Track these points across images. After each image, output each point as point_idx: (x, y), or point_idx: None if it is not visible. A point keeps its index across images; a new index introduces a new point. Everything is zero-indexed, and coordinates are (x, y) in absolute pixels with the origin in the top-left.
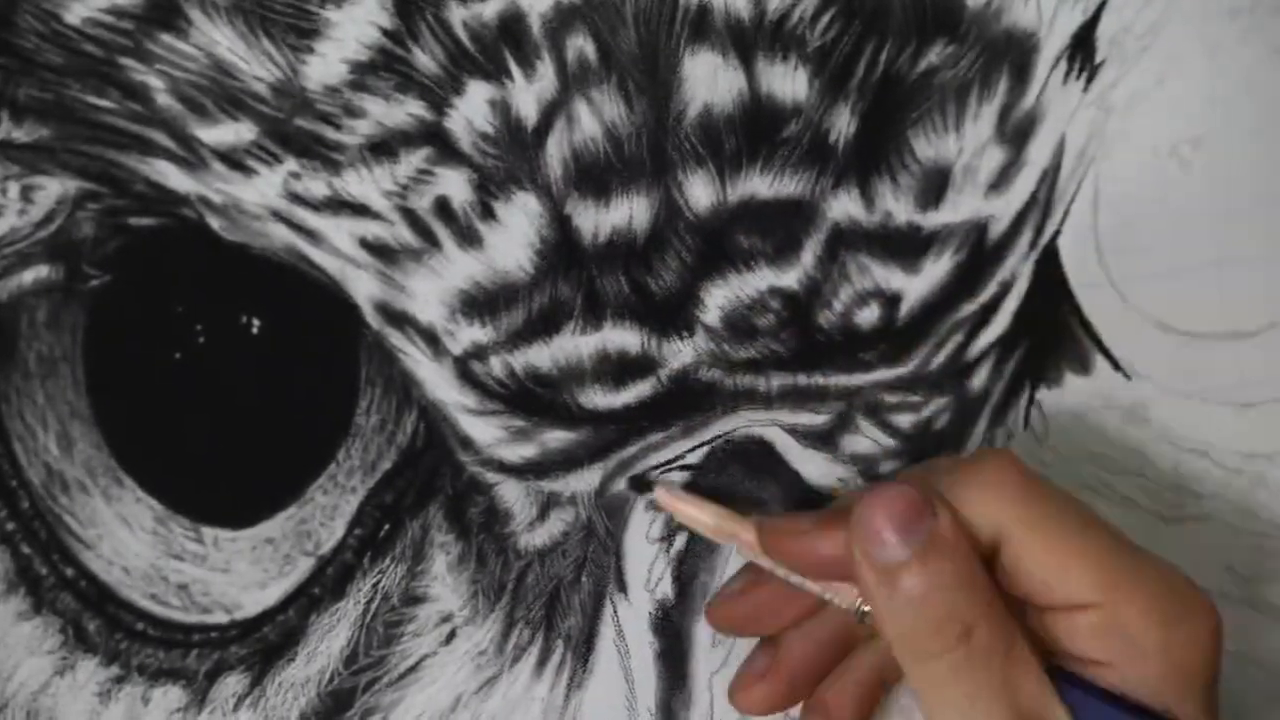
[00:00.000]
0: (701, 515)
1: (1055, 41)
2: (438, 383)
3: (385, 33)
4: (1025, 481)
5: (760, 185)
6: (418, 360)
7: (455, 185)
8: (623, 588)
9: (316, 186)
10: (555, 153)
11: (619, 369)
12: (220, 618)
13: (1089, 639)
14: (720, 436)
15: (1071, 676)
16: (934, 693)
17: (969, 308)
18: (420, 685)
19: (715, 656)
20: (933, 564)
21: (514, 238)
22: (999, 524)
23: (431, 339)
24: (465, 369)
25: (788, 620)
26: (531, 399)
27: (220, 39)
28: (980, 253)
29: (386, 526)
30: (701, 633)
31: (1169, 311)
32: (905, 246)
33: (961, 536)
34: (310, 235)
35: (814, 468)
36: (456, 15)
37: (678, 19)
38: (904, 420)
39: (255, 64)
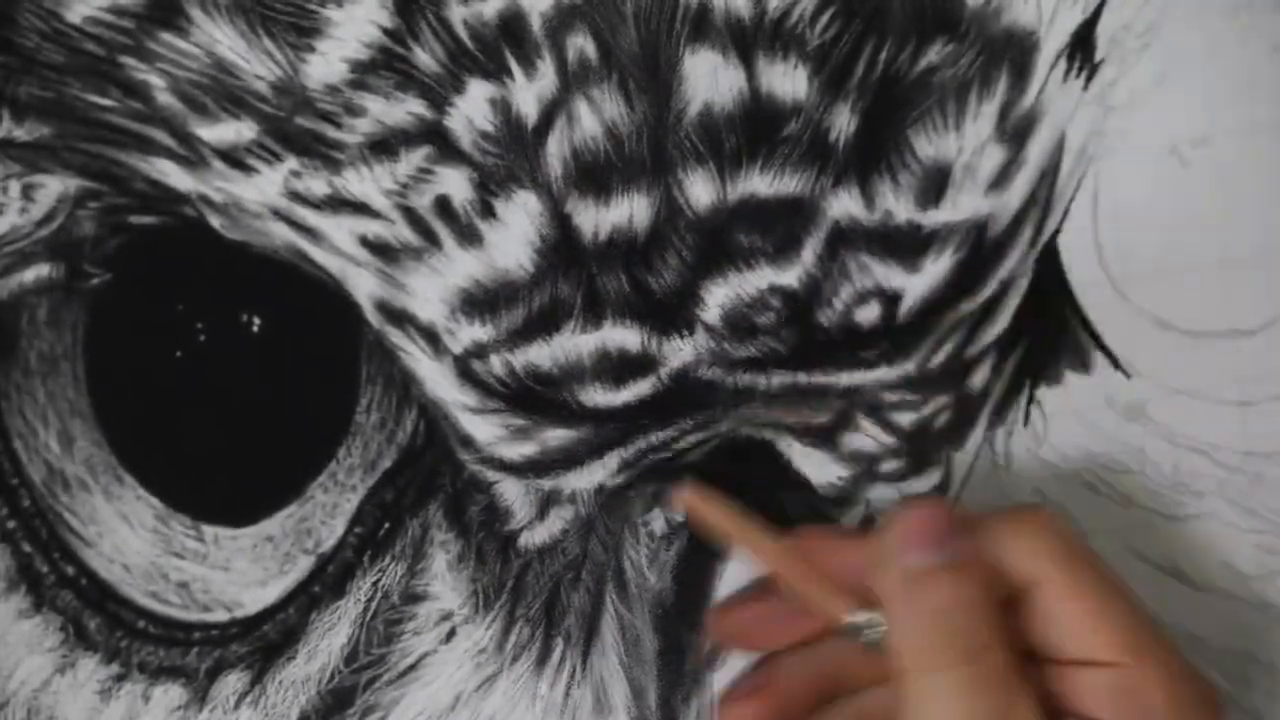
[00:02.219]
0: (723, 521)
1: (1055, 40)
2: (438, 381)
3: (386, 31)
4: (1069, 536)
5: (760, 184)
6: (418, 359)
7: (455, 184)
8: (623, 586)
9: (317, 185)
10: (555, 151)
11: (619, 367)
12: (221, 616)
13: (1104, 698)
14: (721, 435)
15: None
16: (932, 707)
17: (969, 306)
18: (420, 683)
19: (715, 655)
20: (961, 578)
21: (514, 236)
22: (1037, 569)
23: (432, 337)
24: (465, 367)
25: (787, 639)
26: (532, 397)
27: (221, 37)
28: (980, 251)
29: (386, 525)
30: (701, 631)
31: (1169, 310)
32: (905, 245)
33: (986, 566)
34: (310, 234)
35: (814, 466)
36: (457, 14)
37: (678, 18)
38: (904, 418)
39: (256, 62)
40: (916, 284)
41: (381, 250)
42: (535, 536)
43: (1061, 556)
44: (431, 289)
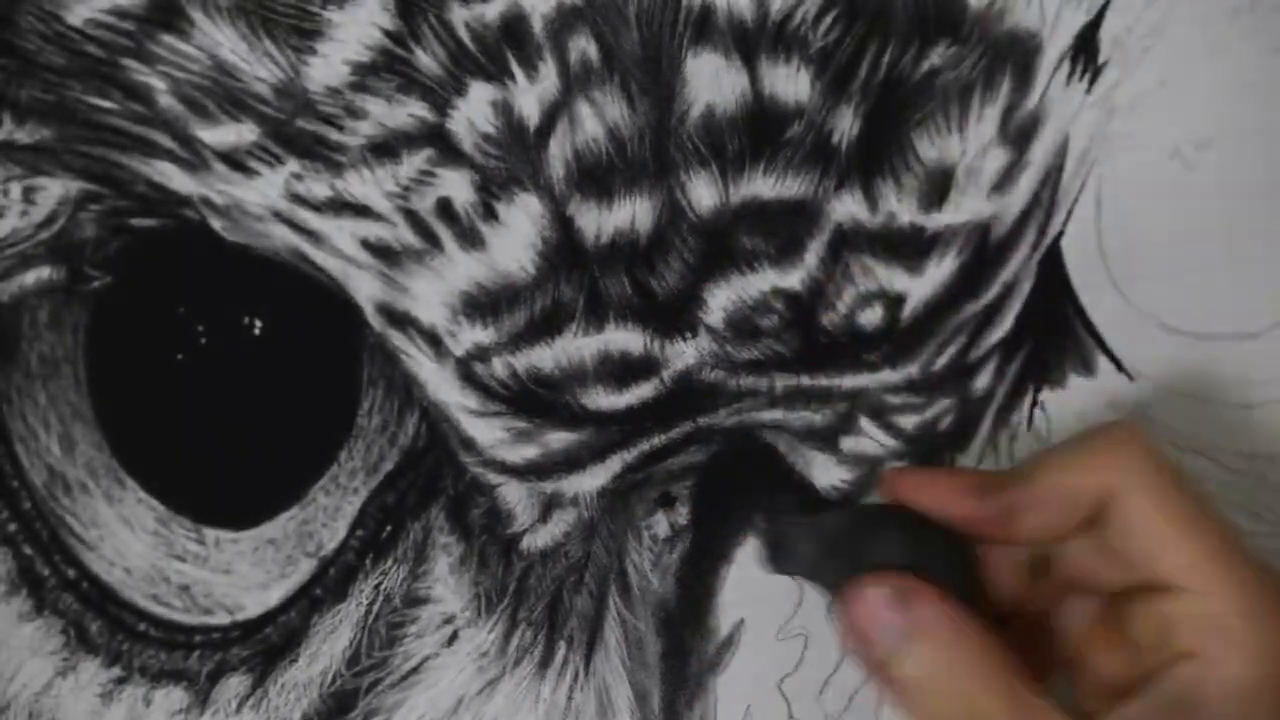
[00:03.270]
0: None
1: (1058, 42)
2: (440, 384)
3: (387, 34)
4: (1150, 447)
5: (763, 186)
6: (420, 361)
7: (457, 186)
8: (626, 589)
9: (318, 188)
10: (557, 154)
11: (621, 370)
12: (222, 619)
13: (1185, 628)
14: (723, 437)
15: None
16: None
17: (972, 309)
18: (423, 687)
19: (718, 658)
20: (918, 653)
21: (516, 239)
22: (1117, 481)
23: (433, 340)
24: (467, 370)
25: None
26: (534, 400)
27: (222, 40)
28: (983, 254)
29: (388, 528)
30: (704, 634)
31: (1172, 312)
32: (908, 247)
33: (951, 615)
34: (312, 236)
35: (817, 469)
36: (458, 16)
37: (680, 20)
38: (907, 421)
39: (257, 65)
40: (919, 286)
41: (383, 253)
42: (538, 539)
43: (1141, 468)
44: (433, 291)
